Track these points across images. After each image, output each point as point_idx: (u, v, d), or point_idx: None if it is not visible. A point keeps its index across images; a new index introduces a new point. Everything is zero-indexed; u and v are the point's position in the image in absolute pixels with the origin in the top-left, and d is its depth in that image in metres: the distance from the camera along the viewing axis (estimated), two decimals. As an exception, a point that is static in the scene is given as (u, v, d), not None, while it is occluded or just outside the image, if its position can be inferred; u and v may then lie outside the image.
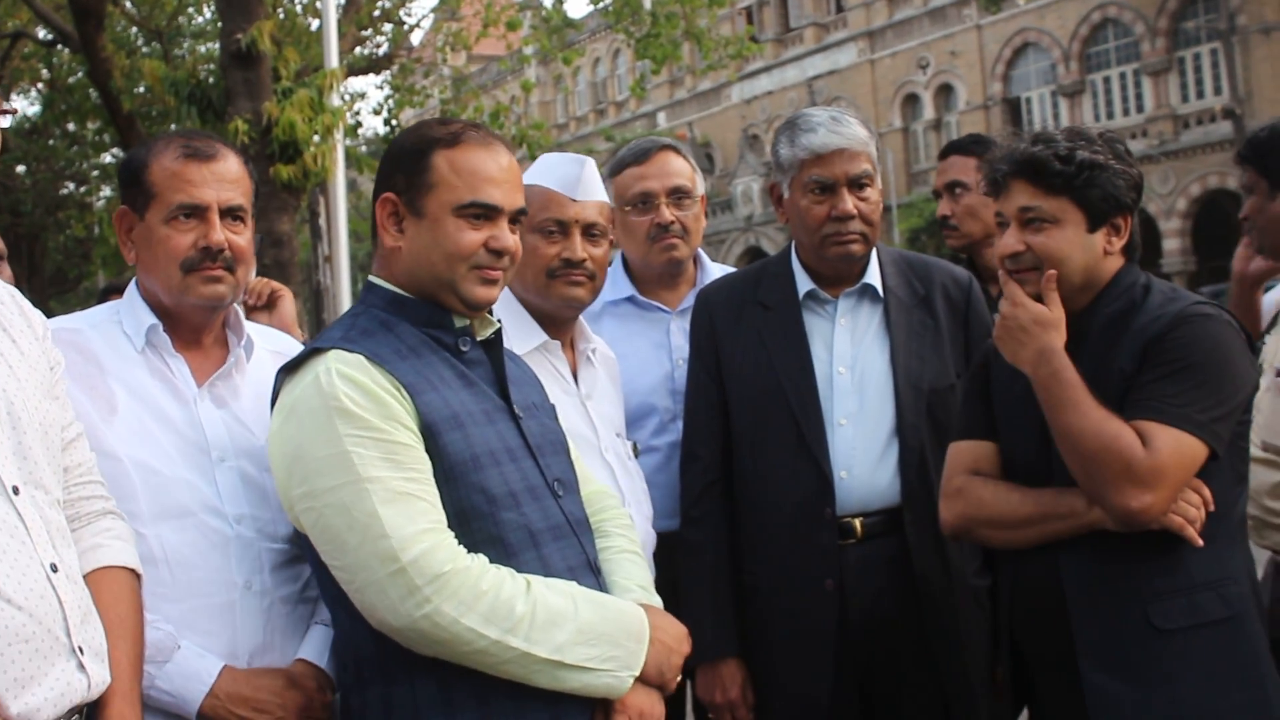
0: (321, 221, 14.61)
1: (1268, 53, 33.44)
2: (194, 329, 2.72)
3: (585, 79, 56.09)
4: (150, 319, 2.67)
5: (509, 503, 2.40)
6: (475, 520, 2.36)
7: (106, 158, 24.12)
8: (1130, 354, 2.72)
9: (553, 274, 3.18)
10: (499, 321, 2.61)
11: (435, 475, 2.34)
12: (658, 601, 2.60)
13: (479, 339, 2.56)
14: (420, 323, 2.49)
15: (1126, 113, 37.49)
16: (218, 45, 17.36)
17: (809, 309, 3.40)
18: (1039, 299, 2.76)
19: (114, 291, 6.68)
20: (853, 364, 3.35)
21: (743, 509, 3.38)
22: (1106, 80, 38.09)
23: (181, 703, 2.44)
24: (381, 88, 23.01)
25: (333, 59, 13.19)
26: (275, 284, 3.78)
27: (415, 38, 23.96)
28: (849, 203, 3.29)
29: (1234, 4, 33.45)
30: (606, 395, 3.36)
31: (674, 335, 3.78)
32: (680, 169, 3.82)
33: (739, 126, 48.77)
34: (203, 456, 2.59)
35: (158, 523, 2.51)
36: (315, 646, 2.60)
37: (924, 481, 3.25)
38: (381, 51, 21.40)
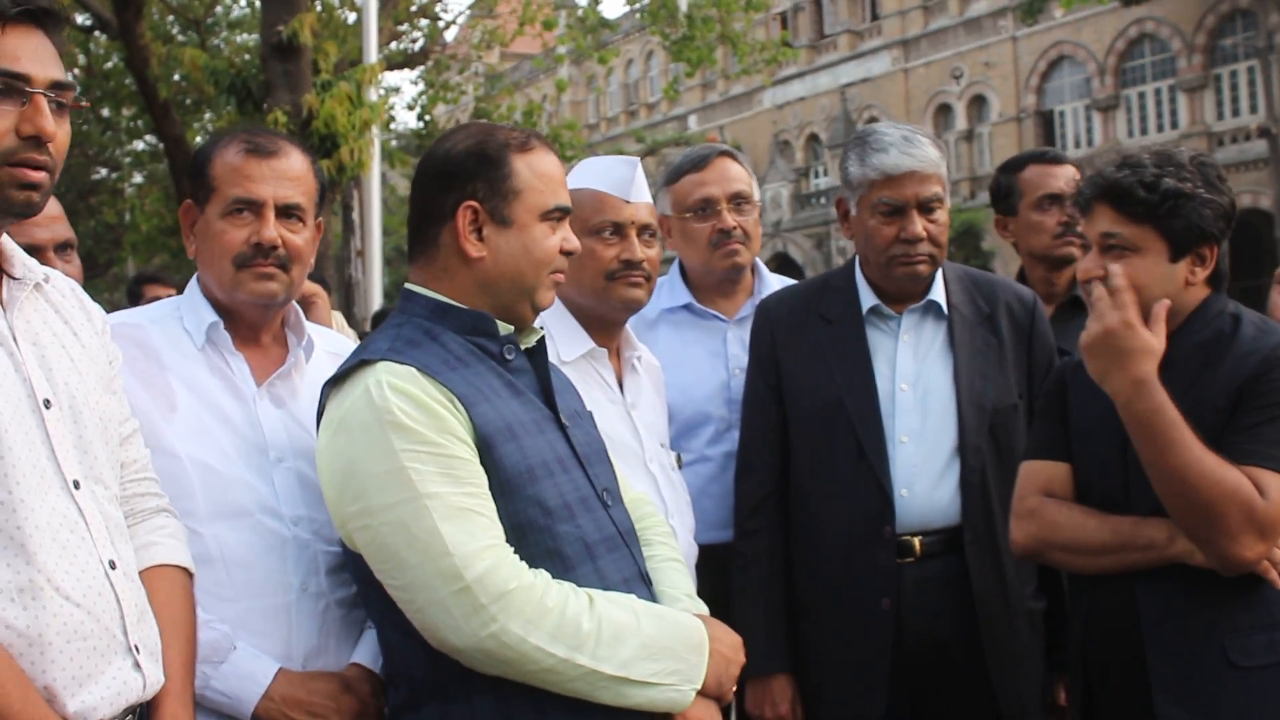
0: (355, 215, 14.63)
1: (1305, 72, 33.24)
2: (252, 326, 2.69)
3: (617, 80, 56.05)
4: (211, 316, 2.64)
5: (564, 514, 2.35)
6: (532, 534, 2.31)
7: (140, 145, 24.20)
8: (1224, 391, 2.67)
9: (612, 276, 3.14)
10: (542, 328, 2.58)
11: (491, 488, 2.29)
12: (703, 608, 2.57)
13: (523, 347, 2.51)
14: (465, 331, 2.43)
15: (1161, 129, 37.25)
16: (254, 36, 17.42)
17: (872, 324, 3.37)
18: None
19: (147, 281, 6.65)
20: (915, 381, 3.31)
21: (798, 524, 3.34)
22: (1141, 96, 37.86)
23: (237, 704, 2.42)
24: (416, 83, 23.06)
25: (372, 53, 13.24)
26: (308, 286, 3.74)
27: (450, 34, 23.99)
28: (918, 225, 3.25)
29: (1272, 22, 33.20)
30: (651, 404, 3.33)
31: (731, 344, 3.74)
32: (739, 174, 3.79)
33: (770, 132, 48.67)
34: (261, 456, 2.57)
35: (215, 522, 2.49)
36: (370, 651, 2.57)
37: (984, 502, 3.22)
38: (417, 47, 21.45)
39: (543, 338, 2.55)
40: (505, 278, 2.44)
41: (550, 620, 2.21)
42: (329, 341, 2.87)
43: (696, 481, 3.47)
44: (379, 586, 2.31)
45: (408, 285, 2.52)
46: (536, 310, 2.49)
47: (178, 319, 2.68)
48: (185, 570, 2.33)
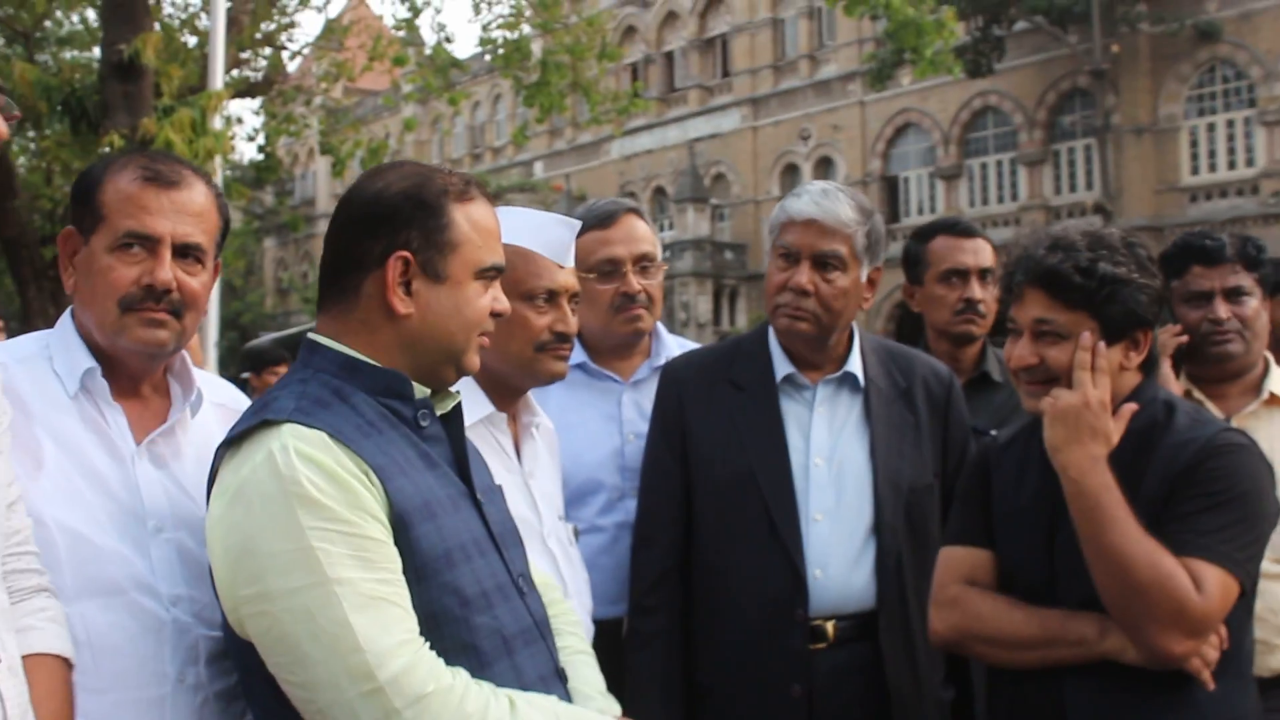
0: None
1: (1138, 152, 34.54)
2: (132, 376, 2.41)
3: (463, 122, 55.84)
4: (87, 361, 2.36)
5: (482, 604, 2.13)
6: (447, 625, 2.08)
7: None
8: (1159, 479, 2.60)
9: (542, 347, 2.93)
10: (458, 393, 2.34)
11: (405, 573, 2.05)
12: (616, 707, 2.39)
13: (439, 413, 2.28)
14: (377, 391, 2.17)
15: (1001, 200, 38.41)
16: (85, 54, 16.84)
17: (786, 394, 3.25)
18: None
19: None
20: (830, 455, 3.19)
21: (700, 603, 3.19)
22: (984, 166, 39.01)
23: None
24: (258, 113, 22.58)
25: (217, 79, 12.80)
26: None
27: (293, 66, 23.57)
28: (804, 277, 3.14)
29: (1109, 103, 34.54)
30: (548, 473, 3.12)
31: (625, 408, 3.58)
32: (646, 234, 3.62)
33: (617, 183, 48.91)
34: (138, 525, 2.29)
35: (83, 600, 2.19)
36: None
37: (899, 585, 3.12)
38: (259, 75, 21.00)
39: (459, 404, 2.33)
40: (432, 338, 2.21)
41: None
42: (216, 391, 2.59)
43: (587, 552, 3.27)
44: (267, 680, 2.05)
45: (312, 336, 2.26)
46: (461, 374, 2.28)
47: (46, 360, 2.38)
48: (65, 661, 2.07)
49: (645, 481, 3.32)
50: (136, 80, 11.53)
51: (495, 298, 2.28)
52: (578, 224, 3.03)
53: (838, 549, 3.11)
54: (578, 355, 3.60)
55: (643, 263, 3.59)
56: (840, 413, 3.25)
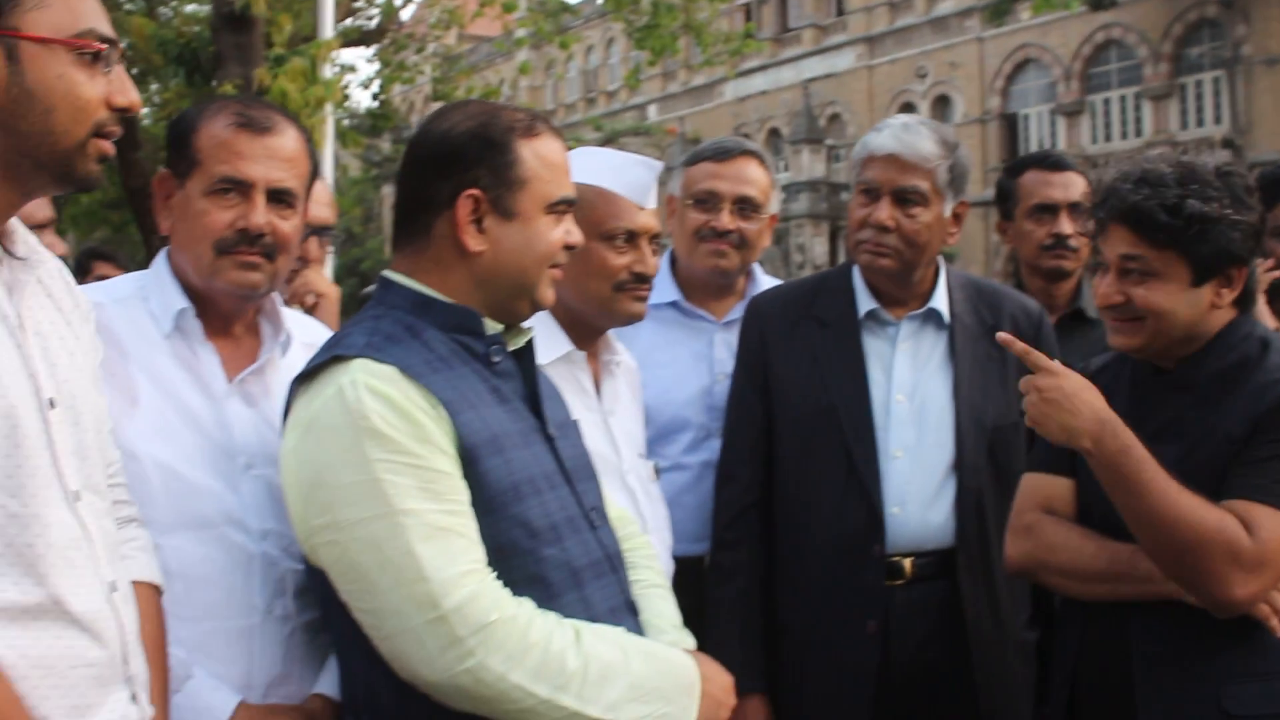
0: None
1: (1270, 84, 33.53)
2: (225, 316, 2.48)
3: (577, 66, 55.86)
4: (181, 301, 2.42)
5: (551, 537, 2.18)
6: (515, 557, 2.13)
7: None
8: (1241, 418, 2.54)
9: (620, 287, 2.95)
10: (531, 329, 2.38)
11: (473, 505, 2.10)
12: (691, 641, 2.43)
13: (510, 349, 2.32)
14: (448, 328, 2.23)
15: (1125, 136, 37.52)
16: (204, 6, 17.12)
17: (869, 330, 3.24)
18: (1139, 350, 2.60)
19: (97, 257, 6.43)
20: (912, 392, 3.19)
21: (781, 538, 3.21)
22: (1106, 102, 38.11)
23: None
24: (371, 61, 22.81)
25: (328, 28, 12.95)
26: (319, 284, 3.47)
27: (406, 13, 23.74)
28: (885, 213, 3.13)
29: (1239, 34, 33.55)
30: (629, 411, 3.15)
31: (717, 348, 3.58)
32: (756, 178, 3.62)
33: (731, 125, 48.60)
34: (228, 461, 2.36)
35: (176, 533, 2.28)
36: (335, 680, 2.38)
37: (980, 524, 3.10)
38: (373, 24, 21.18)
39: (531, 340, 2.37)
40: (505, 273, 2.26)
41: (533, 657, 2.04)
42: (307, 331, 2.64)
43: (670, 490, 3.31)
44: (343, 607, 2.12)
45: (386, 274, 2.32)
46: (535, 308, 2.32)
47: (142, 301, 2.45)
48: (157, 588, 2.16)
49: (729, 417, 3.34)
50: (248, 31, 11.74)
51: (568, 230, 2.31)
52: (659, 165, 3.03)
53: (916, 486, 3.11)
54: (671, 292, 3.63)
55: (742, 204, 3.59)
56: (924, 350, 3.24)
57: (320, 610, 2.28)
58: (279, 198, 2.41)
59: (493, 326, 2.28)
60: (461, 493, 2.09)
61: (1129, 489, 2.47)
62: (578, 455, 2.40)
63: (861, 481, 3.09)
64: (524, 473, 2.18)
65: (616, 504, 2.60)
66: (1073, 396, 2.51)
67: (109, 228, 20.67)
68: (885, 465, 3.11)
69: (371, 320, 2.23)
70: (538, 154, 2.27)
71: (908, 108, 43.06)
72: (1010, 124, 40.44)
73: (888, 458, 3.12)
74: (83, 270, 6.06)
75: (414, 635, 2.02)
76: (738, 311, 3.60)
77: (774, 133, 47.59)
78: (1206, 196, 2.55)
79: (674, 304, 3.63)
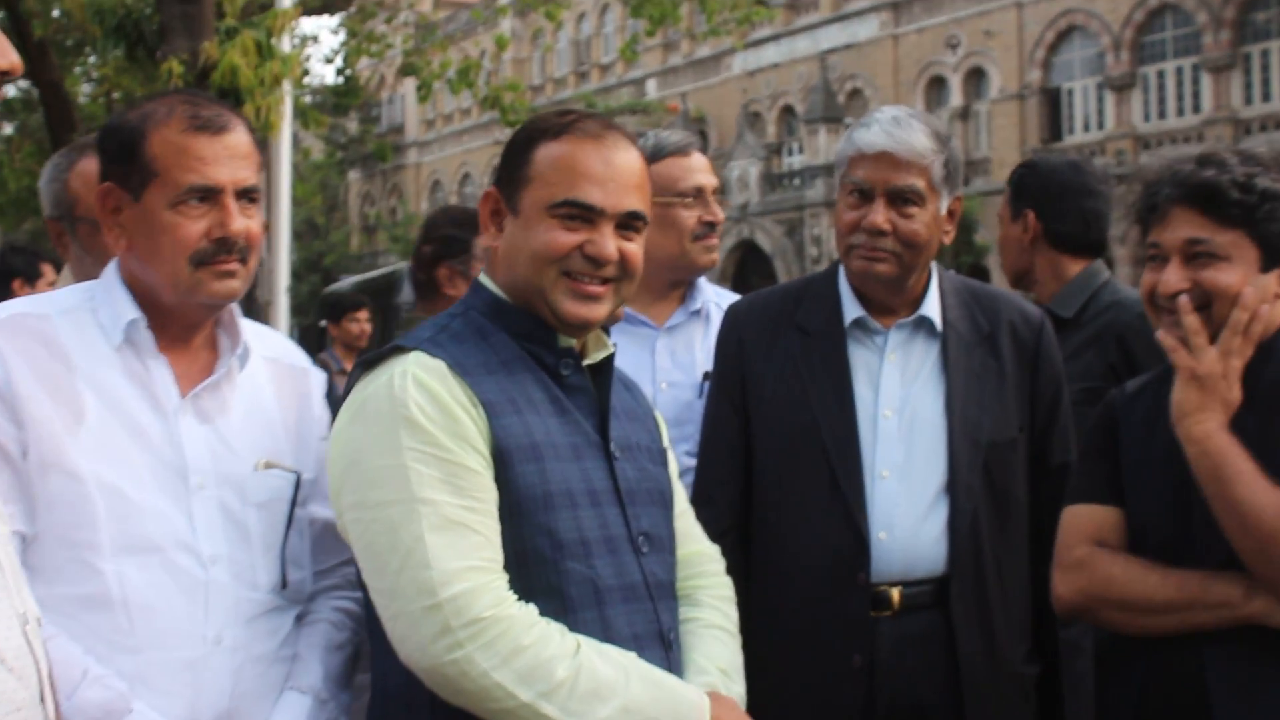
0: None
1: (1345, 55, 33.66)
2: (189, 327, 2.61)
3: (567, 36, 55.98)
4: (132, 312, 2.55)
5: (577, 551, 2.42)
6: (536, 565, 2.39)
7: (10, 90, 23.77)
8: None
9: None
10: (613, 344, 2.65)
11: (500, 509, 2.38)
12: (738, 688, 2.62)
13: (587, 362, 2.59)
14: (520, 335, 2.53)
15: (1181, 113, 37.63)
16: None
17: (855, 339, 3.35)
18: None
19: (17, 252, 6.53)
20: (901, 407, 3.28)
21: (759, 566, 3.31)
22: (1160, 74, 38.21)
23: None
24: (336, 32, 22.87)
25: (285, -3, 13.03)
26: None
27: (376, -24, 23.79)
28: (881, 215, 3.23)
29: (1310, -3, 33.67)
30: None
31: (659, 355, 3.80)
32: (711, 171, 3.97)
33: (739, 102, 48.76)
34: (178, 481, 2.50)
35: (120, 557, 2.40)
36: (289, 716, 2.52)
37: (975, 549, 3.19)
38: (339, -11, 21.25)
39: (611, 355, 2.64)
40: (510, 270, 2.55)
41: (523, 659, 2.26)
42: (268, 345, 2.80)
43: None
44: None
45: (479, 275, 2.65)
46: (560, 319, 2.52)
47: (91, 312, 2.58)
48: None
49: (704, 435, 3.45)
50: (196, 0, 11.79)
51: (589, 240, 2.49)
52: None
53: (905, 509, 3.20)
54: None
55: (716, 196, 3.91)
56: (914, 360, 3.33)
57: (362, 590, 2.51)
58: (246, 195, 2.56)
59: (565, 340, 2.55)
60: (487, 492, 2.38)
61: (1225, 479, 2.61)
62: (644, 479, 2.62)
63: (845, 504, 3.18)
64: (561, 485, 2.44)
65: (702, 541, 2.84)
66: (1214, 399, 2.69)
67: (40, 218, 20.69)
68: (871, 486, 3.20)
69: (447, 317, 2.58)
70: (551, 155, 2.52)
71: (937, 82, 43.18)
72: (1052, 99, 40.56)
73: (874, 478, 3.21)
74: (8, 271, 6.17)
75: (410, 619, 2.29)
76: (679, 316, 3.84)
77: (787, 110, 47.70)
78: (1272, 177, 2.71)
79: None
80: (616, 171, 2.52)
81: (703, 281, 4.00)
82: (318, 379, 2.90)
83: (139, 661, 2.38)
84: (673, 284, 3.90)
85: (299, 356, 2.88)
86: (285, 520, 2.65)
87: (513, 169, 2.55)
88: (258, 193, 2.59)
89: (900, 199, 3.23)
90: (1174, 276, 2.74)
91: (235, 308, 2.71)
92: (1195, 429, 2.67)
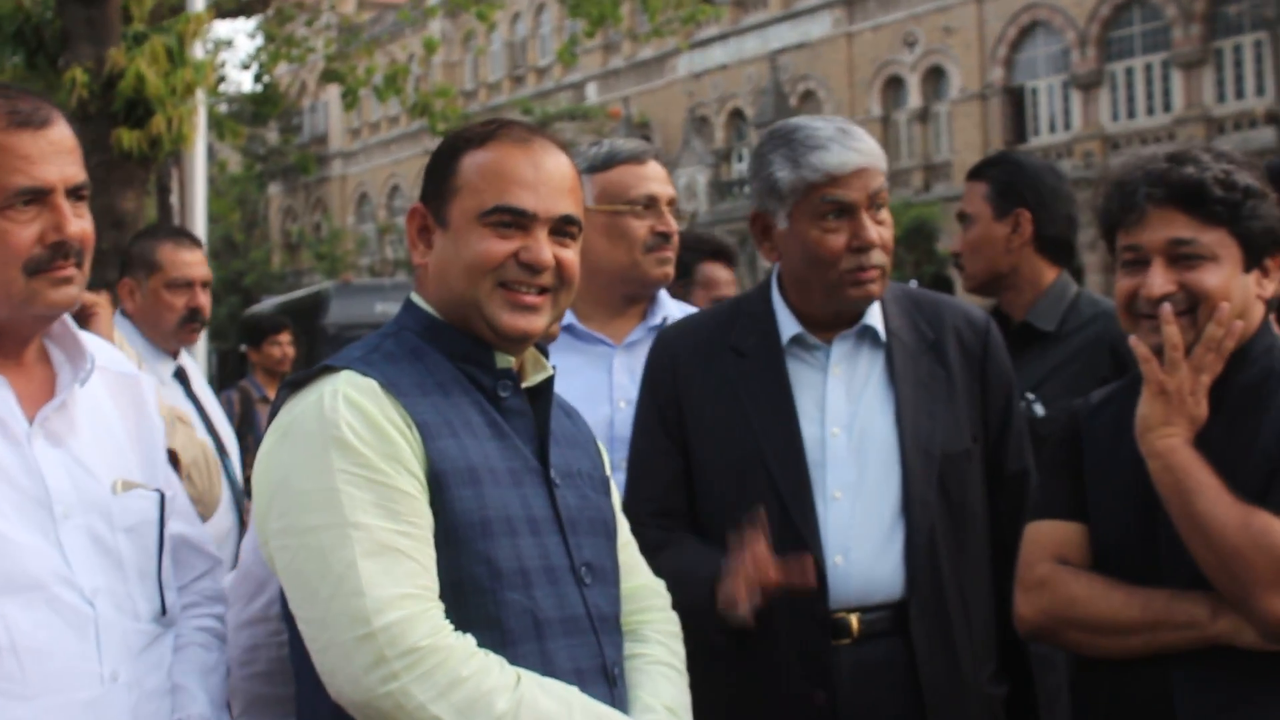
0: (174, 199, 14.36)
1: (1320, 49, 34.04)
2: (19, 342, 2.55)
3: (501, 38, 55.98)
4: None
5: (516, 581, 2.44)
6: (473, 595, 2.40)
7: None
8: (1276, 435, 2.73)
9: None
10: (553, 368, 2.68)
11: (436, 536, 2.39)
12: None
13: (525, 385, 2.62)
14: (456, 356, 2.56)
15: (1151, 111, 37.99)
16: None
17: (795, 356, 3.36)
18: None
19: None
20: (850, 424, 3.31)
21: None
22: (1129, 71, 38.56)
23: None
24: (253, 36, 22.81)
25: (198, 0, 13.00)
26: (89, 295, 3.58)
27: (296, -24, 23.75)
28: (871, 229, 3.24)
29: (1283, -12, 34.02)
30: None
31: (617, 373, 3.82)
32: (669, 180, 4.00)
33: (685, 106, 48.87)
34: (43, 512, 2.44)
35: (1, 598, 2.35)
36: None
37: (933, 569, 3.22)
38: (255, -10, 21.20)
39: (550, 379, 2.66)
40: (445, 286, 2.57)
41: (461, 692, 2.27)
42: (101, 354, 2.71)
43: None
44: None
45: (410, 294, 2.68)
46: (497, 332, 2.55)
47: None
48: None
49: (637, 468, 3.43)
50: (100, 3, 11.71)
51: (524, 246, 2.53)
52: None
53: (861, 530, 3.22)
54: (566, 316, 3.78)
55: (673, 207, 3.93)
56: (859, 374, 3.35)
57: (285, 621, 2.53)
58: (75, 194, 2.50)
59: (504, 360, 2.59)
60: (422, 517, 2.39)
61: (1187, 492, 2.68)
62: (585, 507, 2.65)
63: (797, 530, 3.19)
64: (499, 511, 2.45)
65: (647, 574, 2.85)
66: (1180, 414, 2.74)
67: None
68: (823, 509, 3.22)
69: (378, 337, 2.60)
70: (478, 162, 2.56)
71: (894, 82, 43.44)
72: (1016, 99, 40.88)
73: (826, 500, 3.23)
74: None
75: (342, 650, 2.29)
76: (639, 333, 3.86)
77: (736, 114, 47.86)
78: (1249, 174, 2.77)
79: (568, 328, 3.85)
80: (546, 175, 2.56)
81: (664, 296, 4.03)
82: (149, 385, 2.83)
83: (34, 708, 2.34)
84: (628, 298, 3.93)
85: (127, 363, 2.82)
86: (157, 544, 2.62)
87: (439, 181, 2.58)
88: (87, 190, 2.53)
89: (875, 204, 3.26)
90: (1159, 279, 2.78)
91: (67, 316, 2.64)
92: (1159, 443, 2.73)
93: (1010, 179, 4.36)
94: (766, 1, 47.13)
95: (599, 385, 3.79)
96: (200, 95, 12.25)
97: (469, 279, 2.52)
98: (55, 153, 2.48)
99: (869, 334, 3.37)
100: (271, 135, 53.37)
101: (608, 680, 2.53)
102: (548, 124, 37.08)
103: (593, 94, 52.16)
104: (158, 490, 2.66)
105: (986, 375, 3.43)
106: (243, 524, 5.09)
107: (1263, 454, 2.72)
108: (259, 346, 10.75)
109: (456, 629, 2.33)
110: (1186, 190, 2.75)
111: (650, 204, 3.86)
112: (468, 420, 2.49)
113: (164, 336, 5.22)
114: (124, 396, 2.72)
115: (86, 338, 2.69)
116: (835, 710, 3.17)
